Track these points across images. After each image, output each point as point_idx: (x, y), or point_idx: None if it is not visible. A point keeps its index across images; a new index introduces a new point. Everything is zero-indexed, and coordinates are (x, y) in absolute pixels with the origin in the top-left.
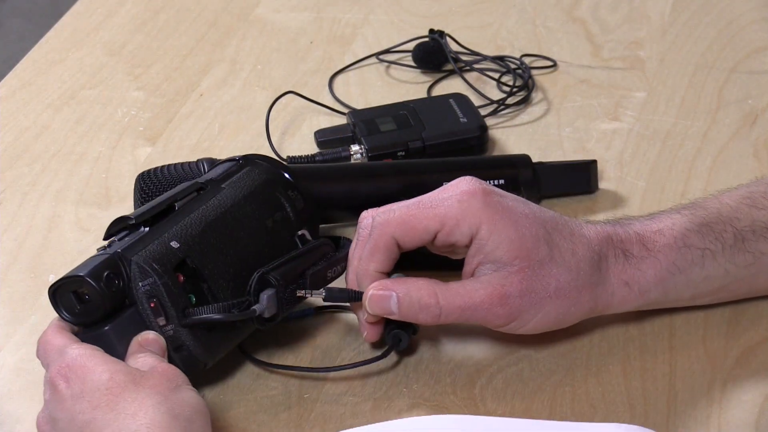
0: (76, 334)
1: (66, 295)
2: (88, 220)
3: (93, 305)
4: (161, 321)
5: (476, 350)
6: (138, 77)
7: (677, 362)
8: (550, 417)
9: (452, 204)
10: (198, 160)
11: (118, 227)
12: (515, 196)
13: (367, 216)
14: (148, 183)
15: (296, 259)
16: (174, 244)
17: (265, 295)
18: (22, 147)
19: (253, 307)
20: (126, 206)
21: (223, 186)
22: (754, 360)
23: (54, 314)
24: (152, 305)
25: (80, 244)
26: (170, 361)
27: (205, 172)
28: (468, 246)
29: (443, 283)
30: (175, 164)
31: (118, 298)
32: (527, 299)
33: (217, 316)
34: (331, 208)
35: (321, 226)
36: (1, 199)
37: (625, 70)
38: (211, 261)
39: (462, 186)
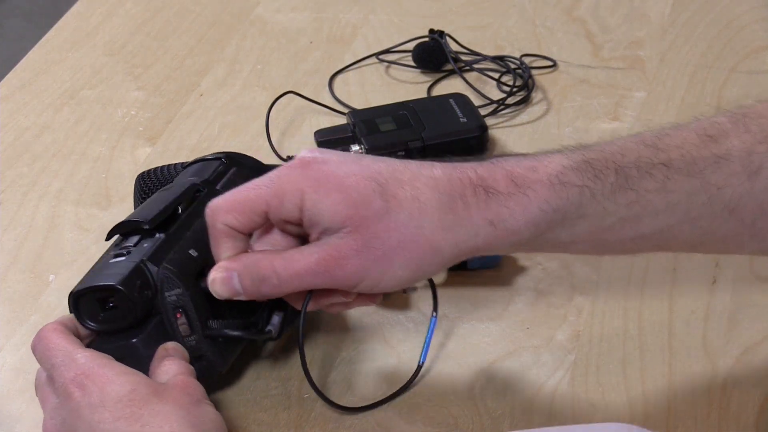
0: (90, 343)
1: (90, 302)
2: (88, 220)
3: (119, 314)
4: (185, 331)
5: (476, 350)
6: (138, 77)
7: (677, 362)
8: (550, 417)
9: (273, 181)
10: None
11: (127, 229)
12: (346, 154)
13: (207, 206)
14: (148, 183)
15: None
16: (193, 253)
17: (277, 318)
18: (22, 147)
19: (268, 328)
20: (126, 206)
21: (218, 188)
22: (754, 360)
23: (53, 315)
24: (178, 315)
25: (80, 244)
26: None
27: None
28: (302, 220)
29: (282, 252)
30: (175, 164)
31: (146, 308)
32: (367, 257)
33: (237, 333)
34: None
35: None
36: (1, 199)
37: (625, 70)
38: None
39: (289, 162)
